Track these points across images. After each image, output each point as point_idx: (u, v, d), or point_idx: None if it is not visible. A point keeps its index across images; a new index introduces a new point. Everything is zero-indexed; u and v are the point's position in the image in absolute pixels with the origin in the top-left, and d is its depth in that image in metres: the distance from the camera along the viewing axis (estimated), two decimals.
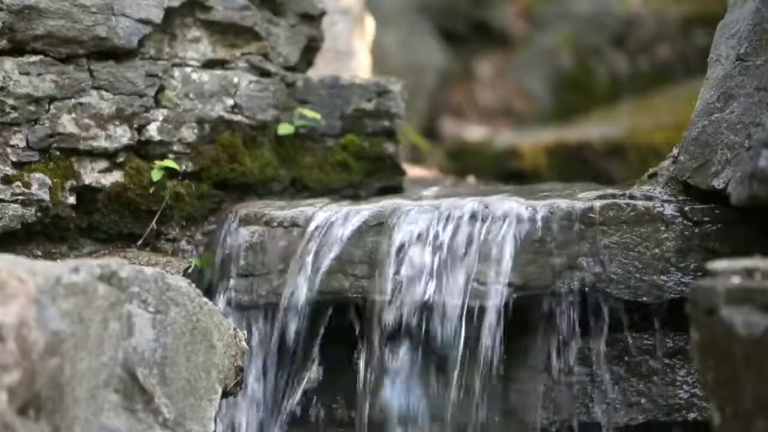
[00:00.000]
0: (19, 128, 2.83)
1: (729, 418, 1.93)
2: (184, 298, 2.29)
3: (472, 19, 7.23)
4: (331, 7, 3.55)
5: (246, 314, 2.78)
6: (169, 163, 2.97)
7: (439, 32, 6.92)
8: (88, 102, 2.89)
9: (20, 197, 2.79)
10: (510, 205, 2.66)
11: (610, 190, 2.77)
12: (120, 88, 2.93)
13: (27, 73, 2.82)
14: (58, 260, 2.79)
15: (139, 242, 2.98)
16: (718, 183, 2.60)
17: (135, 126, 2.95)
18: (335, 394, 2.75)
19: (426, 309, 2.63)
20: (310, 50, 3.29)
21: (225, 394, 2.37)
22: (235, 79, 3.09)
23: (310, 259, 2.71)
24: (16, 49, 2.83)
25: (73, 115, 2.87)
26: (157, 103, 2.99)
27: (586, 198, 2.69)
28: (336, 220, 2.73)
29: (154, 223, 2.98)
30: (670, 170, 2.77)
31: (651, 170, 2.87)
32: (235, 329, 2.42)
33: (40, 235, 2.89)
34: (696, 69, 5.28)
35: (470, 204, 2.69)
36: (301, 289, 2.70)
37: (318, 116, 3.19)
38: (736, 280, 1.95)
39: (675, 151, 2.79)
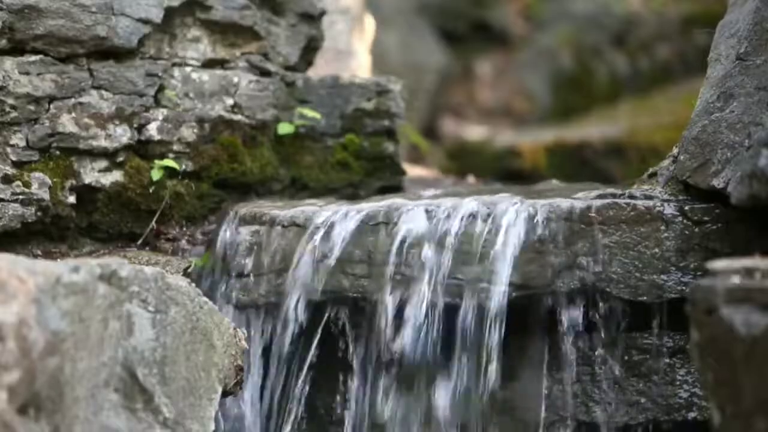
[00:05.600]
0: (19, 128, 2.83)
1: (729, 418, 1.93)
2: (183, 297, 2.29)
3: (472, 19, 7.24)
4: (331, 7, 3.55)
5: (246, 314, 2.78)
6: (169, 162, 2.97)
7: (439, 32, 6.92)
8: (88, 101, 2.89)
9: (20, 197, 2.79)
10: (510, 204, 2.66)
11: (609, 190, 2.77)
12: (120, 87, 2.93)
13: (27, 73, 2.82)
14: (58, 260, 2.79)
15: (139, 242, 2.98)
16: (717, 182, 2.60)
17: (135, 125, 2.95)
18: (335, 393, 2.75)
19: (426, 308, 2.63)
20: (310, 50, 3.29)
21: (225, 394, 2.37)
22: (235, 79, 3.09)
23: (309, 258, 2.71)
24: (16, 49, 2.83)
25: (73, 114, 2.87)
26: (157, 103, 2.99)
27: (585, 197, 2.69)
28: (336, 219, 2.73)
29: (154, 222, 2.98)
30: (669, 170, 2.77)
31: (651, 170, 2.87)
32: (234, 329, 2.42)
33: (40, 234, 2.89)
34: (696, 69, 5.29)
35: (470, 203, 2.69)
36: (300, 288, 2.70)
37: (318, 116, 3.19)
38: (735, 280, 1.95)
39: (675, 150, 2.79)
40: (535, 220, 2.63)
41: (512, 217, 2.64)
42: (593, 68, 6.84)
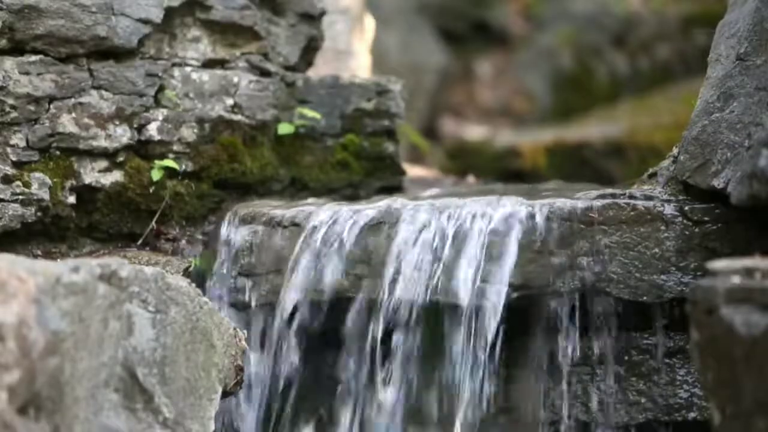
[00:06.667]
0: (19, 128, 2.83)
1: (729, 418, 1.93)
2: (184, 297, 2.29)
3: (472, 19, 7.23)
4: (330, 7, 3.55)
5: (246, 314, 2.78)
6: (169, 162, 2.97)
7: (439, 32, 6.92)
8: (88, 102, 2.89)
9: (20, 197, 2.79)
10: (510, 204, 2.66)
11: (610, 190, 2.77)
12: (120, 87, 2.93)
13: (27, 73, 2.82)
14: (58, 260, 2.79)
15: (139, 242, 2.98)
16: (718, 182, 2.60)
17: (135, 126, 2.95)
18: (335, 392, 2.75)
19: (426, 308, 2.63)
20: (310, 50, 3.29)
21: (225, 394, 2.37)
22: (235, 79, 3.09)
23: (309, 258, 2.71)
24: (16, 49, 2.83)
25: (73, 114, 2.87)
26: (157, 103, 2.99)
27: (586, 197, 2.69)
28: (336, 219, 2.73)
29: (154, 222, 2.98)
30: (670, 170, 2.77)
31: (651, 170, 2.87)
32: (234, 329, 2.42)
33: (40, 234, 2.89)
34: (696, 69, 5.28)
35: (470, 203, 2.69)
36: (300, 288, 2.70)
37: (318, 116, 3.19)
38: (736, 280, 1.95)
39: (675, 150, 2.79)
40: (535, 220, 2.63)
41: (512, 218, 2.64)
42: (593, 68, 6.83)
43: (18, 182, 2.80)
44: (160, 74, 2.98)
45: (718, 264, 2.00)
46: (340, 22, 4.23)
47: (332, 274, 2.70)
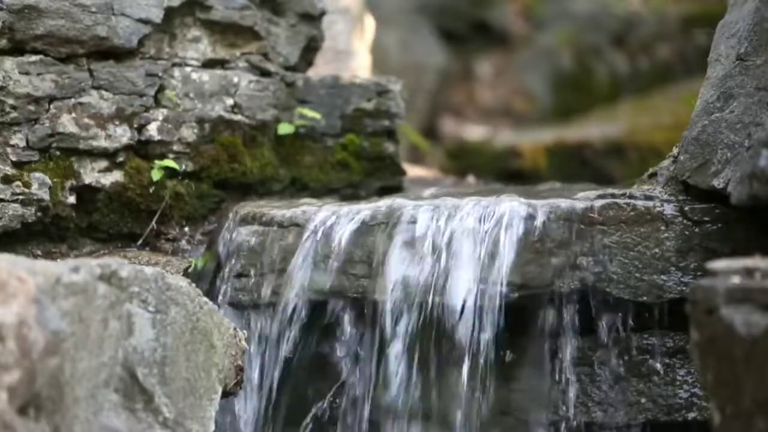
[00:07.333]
0: (19, 128, 2.83)
1: (729, 418, 1.93)
2: (184, 297, 2.28)
3: (472, 19, 7.24)
4: (331, 7, 3.55)
5: (246, 314, 2.78)
6: (169, 162, 2.98)
7: (439, 32, 6.92)
8: (88, 102, 2.89)
9: (20, 197, 2.79)
10: (510, 204, 2.66)
11: (609, 190, 2.77)
12: (120, 87, 2.93)
13: (27, 73, 2.82)
14: (58, 260, 2.79)
15: (139, 242, 2.98)
16: (718, 182, 2.60)
17: (135, 126, 2.95)
18: (336, 393, 2.75)
19: (425, 309, 2.63)
20: (310, 50, 3.29)
21: (225, 394, 2.37)
22: (235, 79, 3.09)
23: (309, 258, 2.71)
24: (16, 49, 2.83)
25: (73, 114, 2.87)
26: (157, 103, 2.99)
27: (586, 198, 2.69)
28: (336, 219, 2.73)
29: (154, 222, 2.98)
30: (670, 170, 2.77)
31: (651, 170, 2.87)
32: (235, 329, 2.42)
33: (40, 234, 2.89)
34: (696, 69, 5.28)
35: (470, 204, 2.69)
36: (301, 288, 2.70)
37: (318, 116, 3.19)
38: (735, 280, 1.95)
39: (675, 150, 2.79)
40: (535, 221, 2.63)
41: (512, 218, 2.64)
42: (593, 68, 6.84)
43: (18, 182, 2.80)
44: (160, 74, 2.98)
45: (718, 264, 2.00)
46: (340, 22, 4.23)
47: (332, 274, 2.70)
